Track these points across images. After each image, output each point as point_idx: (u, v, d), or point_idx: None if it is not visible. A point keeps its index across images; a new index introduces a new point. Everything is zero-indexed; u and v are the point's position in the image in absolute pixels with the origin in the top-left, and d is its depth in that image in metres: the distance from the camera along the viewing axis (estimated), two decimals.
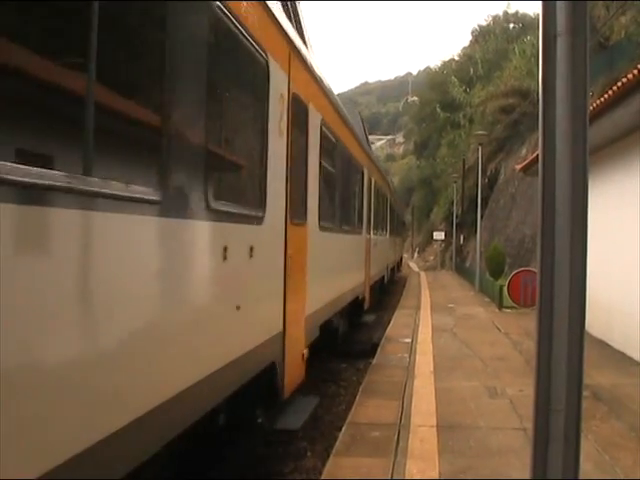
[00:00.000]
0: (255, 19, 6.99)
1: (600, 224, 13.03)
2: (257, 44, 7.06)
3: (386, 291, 32.83)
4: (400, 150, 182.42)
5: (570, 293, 2.87)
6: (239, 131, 7.37)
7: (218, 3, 5.81)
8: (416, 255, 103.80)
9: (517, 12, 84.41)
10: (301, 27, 11.15)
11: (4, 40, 3.24)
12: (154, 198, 4.64)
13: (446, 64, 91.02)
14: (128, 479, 4.22)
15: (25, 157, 3.31)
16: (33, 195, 3.30)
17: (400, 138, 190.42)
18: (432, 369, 13.21)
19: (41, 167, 3.32)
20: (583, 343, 2.91)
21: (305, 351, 10.16)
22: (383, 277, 29.49)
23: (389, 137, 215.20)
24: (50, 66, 3.71)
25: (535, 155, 21.80)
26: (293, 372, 9.27)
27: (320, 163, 11.48)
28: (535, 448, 2.96)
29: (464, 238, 58.49)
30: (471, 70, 75.51)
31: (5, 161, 3.05)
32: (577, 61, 2.89)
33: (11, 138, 3.36)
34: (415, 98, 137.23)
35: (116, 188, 4.06)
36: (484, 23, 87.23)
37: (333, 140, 13.41)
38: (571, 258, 2.87)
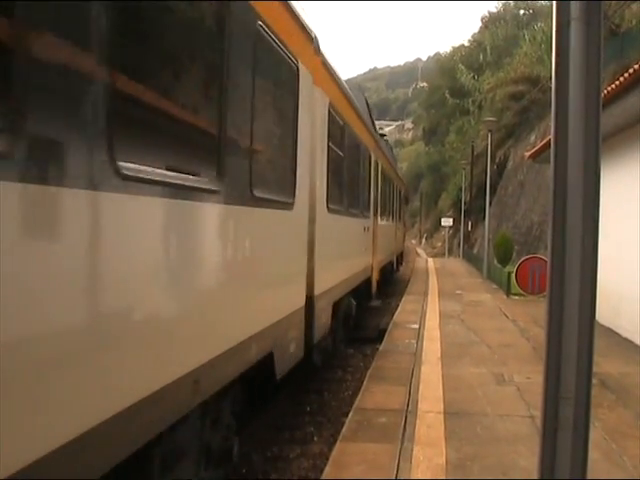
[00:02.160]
0: (364, 135, 16.88)
1: (610, 211, 12.98)
2: (367, 147, 17.71)
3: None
4: (409, 136, 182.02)
5: (581, 281, 2.86)
6: (362, 184, 16.81)
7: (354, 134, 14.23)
8: (424, 241, 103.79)
9: None
10: (370, 111, 22.73)
11: None
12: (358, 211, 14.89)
13: (456, 50, 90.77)
14: None
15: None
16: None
17: (409, 124, 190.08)
18: (439, 355, 13.21)
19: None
20: (593, 331, 2.90)
21: (378, 277, 21.82)
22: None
23: (398, 123, 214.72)
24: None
25: (544, 142, 21.74)
26: (375, 283, 20.80)
27: (380, 188, 21.19)
28: (544, 436, 2.96)
29: (472, 225, 58.42)
30: (481, 56, 75.23)
31: None
32: (590, 47, 2.87)
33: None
34: (424, 84, 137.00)
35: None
36: (494, 9, 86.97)
37: (384, 174, 23.18)
38: (582, 246, 2.86)
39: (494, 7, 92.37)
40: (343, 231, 13.70)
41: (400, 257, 40.57)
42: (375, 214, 20.45)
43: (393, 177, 31.33)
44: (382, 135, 31.98)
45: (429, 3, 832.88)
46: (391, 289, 29.61)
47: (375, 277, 20.68)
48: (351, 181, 14.95)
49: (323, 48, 10.66)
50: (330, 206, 11.31)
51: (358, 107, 16.19)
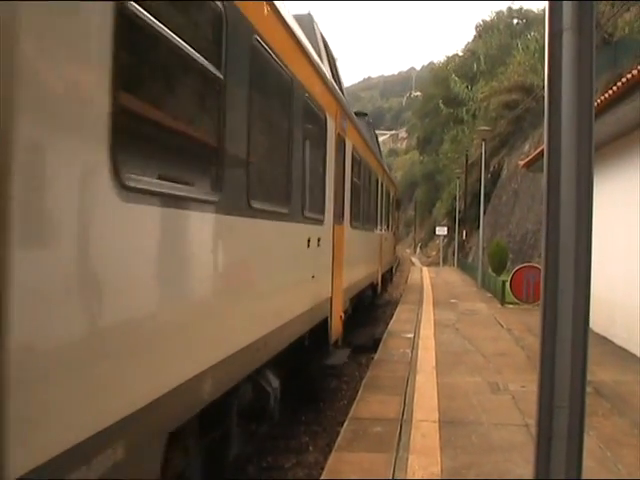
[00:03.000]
0: (311, 82, 10.18)
1: (604, 220, 13.02)
2: (319, 106, 10.77)
3: None
4: (403, 145, 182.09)
5: (574, 289, 2.86)
6: (303, 164, 9.71)
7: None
8: (418, 250, 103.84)
9: (521, 8, 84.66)
10: (331, 58, 15.05)
11: None
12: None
13: (450, 59, 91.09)
14: None
15: None
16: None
17: (403, 133, 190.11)
18: (434, 364, 13.21)
19: None
20: (587, 340, 2.90)
21: (343, 313, 13.70)
22: None
23: (392, 132, 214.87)
24: None
25: (538, 151, 21.79)
26: (336, 326, 12.80)
27: (351, 182, 14.93)
28: (538, 445, 2.96)
29: (467, 234, 58.44)
30: (475, 66, 75.48)
31: None
32: (583, 57, 2.88)
33: None
34: (418, 93, 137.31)
35: None
36: (488, 19, 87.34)
37: (360, 163, 16.93)
38: (576, 254, 2.86)
39: (487, 16, 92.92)
40: (227, 248, 6.35)
41: (390, 273, 32.87)
42: (339, 218, 13.36)
43: (377, 171, 23.12)
44: (361, 115, 23.85)
45: (423, 13, 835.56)
46: (370, 325, 21.73)
47: (337, 316, 13.24)
48: (261, 147, 7.91)
49: None
50: (137, 184, 4.11)
51: (287, 19, 8.53)
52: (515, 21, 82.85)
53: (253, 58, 6.84)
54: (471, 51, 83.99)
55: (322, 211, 11.40)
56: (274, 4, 7.71)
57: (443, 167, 79.12)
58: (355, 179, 15.98)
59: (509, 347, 15.56)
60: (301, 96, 9.47)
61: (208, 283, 5.87)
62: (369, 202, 20.38)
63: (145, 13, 4.15)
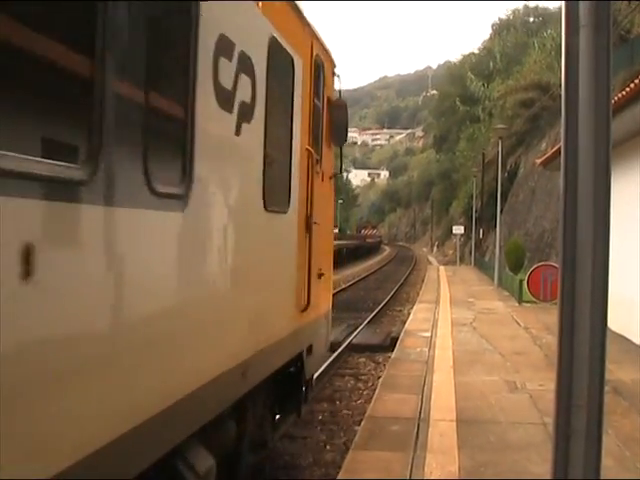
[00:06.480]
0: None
1: (620, 218, 12.93)
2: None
3: None
4: (419, 144, 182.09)
5: (592, 288, 2.85)
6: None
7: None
8: (435, 249, 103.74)
9: (537, 6, 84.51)
10: None
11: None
12: None
13: (466, 58, 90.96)
14: None
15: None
16: None
17: (419, 132, 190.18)
18: (451, 363, 13.18)
19: None
20: (605, 338, 2.90)
21: None
22: None
23: (408, 131, 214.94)
24: None
25: (555, 149, 21.71)
26: None
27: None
28: (556, 443, 2.95)
29: (483, 232, 58.25)
30: (491, 64, 75.31)
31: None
32: (599, 54, 2.88)
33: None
34: (435, 92, 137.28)
35: None
36: (504, 17, 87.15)
37: None
38: (593, 253, 2.85)
39: (504, 14, 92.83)
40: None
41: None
42: None
43: None
44: None
45: (439, 11, 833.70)
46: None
47: None
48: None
49: None
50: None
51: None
52: (531, 19, 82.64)
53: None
54: (487, 49, 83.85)
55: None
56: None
57: (459, 166, 78.93)
58: None
59: (527, 346, 15.51)
60: None
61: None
62: None
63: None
